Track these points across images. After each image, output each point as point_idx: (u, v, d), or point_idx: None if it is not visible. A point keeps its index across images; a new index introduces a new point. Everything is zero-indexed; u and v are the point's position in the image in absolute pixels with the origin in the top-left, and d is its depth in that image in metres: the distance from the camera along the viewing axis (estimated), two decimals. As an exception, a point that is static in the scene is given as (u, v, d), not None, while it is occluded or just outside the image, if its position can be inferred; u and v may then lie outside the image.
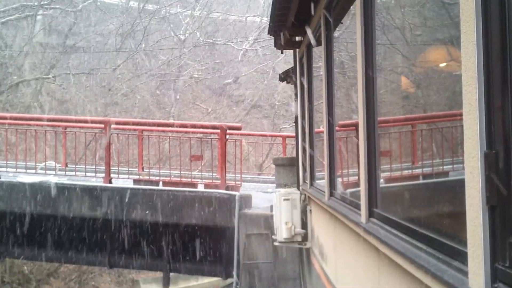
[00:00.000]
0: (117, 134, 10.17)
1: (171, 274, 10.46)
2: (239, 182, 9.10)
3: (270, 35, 6.36)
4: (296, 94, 7.14)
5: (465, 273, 1.54)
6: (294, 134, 8.97)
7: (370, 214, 2.82)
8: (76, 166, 10.45)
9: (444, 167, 2.23)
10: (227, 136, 9.30)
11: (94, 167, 9.82)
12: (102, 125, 9.71)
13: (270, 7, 5.38)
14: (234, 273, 8.11)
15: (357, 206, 3.07)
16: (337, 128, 4.32)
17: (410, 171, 2.83)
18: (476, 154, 1.44)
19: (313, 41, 4.94)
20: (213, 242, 8.96)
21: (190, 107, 24.27)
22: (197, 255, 9.34)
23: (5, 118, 11.46)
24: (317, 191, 5.21)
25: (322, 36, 4.41)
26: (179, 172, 9.41)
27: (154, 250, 9.66)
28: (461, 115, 1.54)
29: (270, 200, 7.75)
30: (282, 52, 7.98)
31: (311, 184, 5.81)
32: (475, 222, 1.46)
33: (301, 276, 7.37)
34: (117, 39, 22.33)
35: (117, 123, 10.80)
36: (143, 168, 11.57)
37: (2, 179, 9.17)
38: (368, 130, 2.85)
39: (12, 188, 8.86)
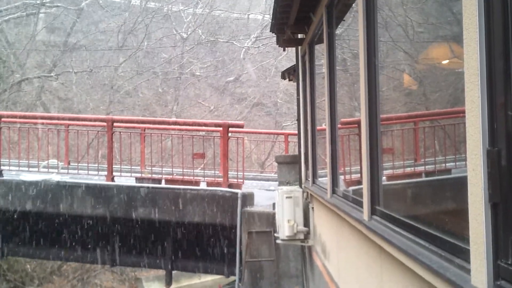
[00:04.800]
0: (120, 132, 10.18)
1: (174, 272, 10.47)
2: (242, 180, 9.09)
3: (273, 32, 6.35)
4: (298, 92, 7.13)
5: (468, 271, 1.54)
6: (296, 132, 8.96)
7: (373, 211, 2.82)
8: (79, 164, 10.47)
9: (447, 164, 2.23)
10: (229, 134, 9.29)
11: (96, 165, 9.85)
12: (104, 123, 9.72)
13: (273, 4, 5.37)
14: (237, 270, 8.12)
15: (360, 204, 3.07)
16: (339, 125, 4.31)
17: (412, 168, 2.83)
18: (479, 151, 1.44)
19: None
20: (216, 240, 8.96)
21: (193, 105, 24.26)
22: (199, 253, 9.36)
23: (7, 116, 11.48)
24: (319, 189, 5.21)
25: (324, 33, 4.41)
26: (182, 170, 9.41)
27: (157, 248, 9.68)
28: (463, 112, 1.54)
29: (272, 198, 7.75)
30: (284, 50, 7.98)
31: (314, 182, 5.81)
32: (478, 219, 1.45)
33: (304, 273, 7.38)
34: (119, 37, 22.35)
35: (120, 121, 10.80)
36: (145, 166, 11.58)
37: (5, 177, 9.19)
38: (371, 128, 2.85)
39: (15, 186, 8.88)
